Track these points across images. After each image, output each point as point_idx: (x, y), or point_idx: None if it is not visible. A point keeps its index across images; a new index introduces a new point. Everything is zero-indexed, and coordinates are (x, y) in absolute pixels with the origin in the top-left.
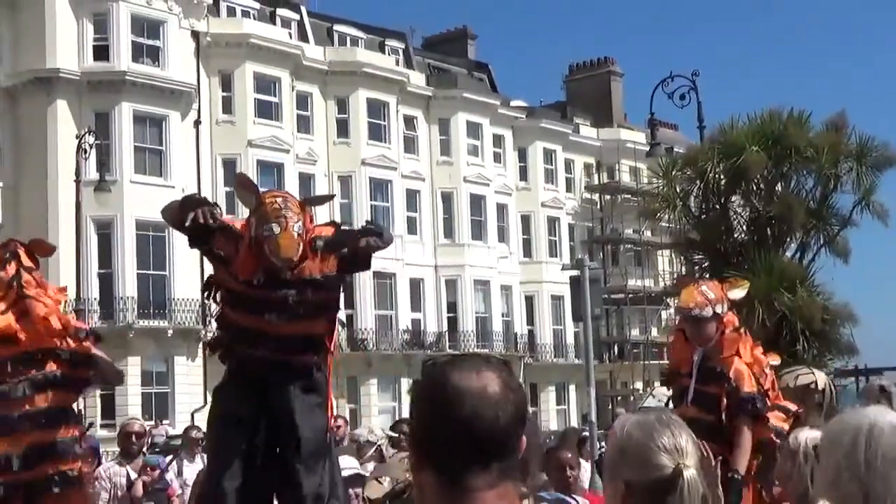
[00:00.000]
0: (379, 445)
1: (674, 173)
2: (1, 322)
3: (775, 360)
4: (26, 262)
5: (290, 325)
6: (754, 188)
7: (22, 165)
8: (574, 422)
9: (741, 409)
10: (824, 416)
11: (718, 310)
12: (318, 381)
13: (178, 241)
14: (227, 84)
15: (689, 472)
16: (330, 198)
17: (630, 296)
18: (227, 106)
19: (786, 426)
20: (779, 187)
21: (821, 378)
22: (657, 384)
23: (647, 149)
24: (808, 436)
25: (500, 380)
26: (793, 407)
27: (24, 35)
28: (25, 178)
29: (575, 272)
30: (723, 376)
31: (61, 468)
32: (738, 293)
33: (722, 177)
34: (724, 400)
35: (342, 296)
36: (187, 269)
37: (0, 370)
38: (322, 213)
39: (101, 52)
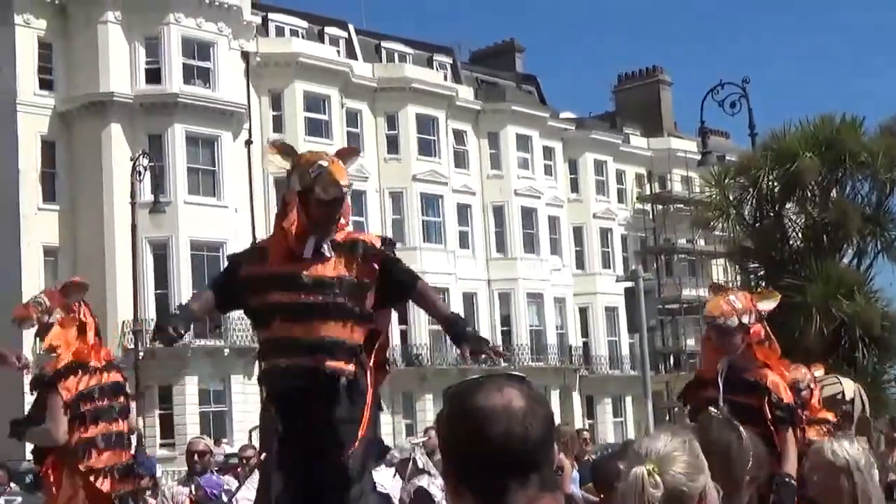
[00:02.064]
0: (413, 457)
1: (726, 181)
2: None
3: (818, 370)
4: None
5: (314, 328)
6: (809, 195)
7: (78, 189)
8: (631, 434)
9: (782, 418)
10: (855, 427)
11: (745, 320)
12: (353, 393)
13: None
14: (277, 103)
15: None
16: (356, 152)
17: (685, 305)
18: (278, 125)
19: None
20: (834, 193)
21: (848, 387)
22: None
23: (699, 157)
24: (848, 448)
25: (522, 394)
26: (832, 417)
27: (78, 61)
28: (81, 201)
29: (629, 283)
30: (758, 388)
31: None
32: (767, 304)
33: (775, 184)
34: (768, 412)
35: (391, 311)
36: None
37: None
38: (375, 224)
39: (153, 75)
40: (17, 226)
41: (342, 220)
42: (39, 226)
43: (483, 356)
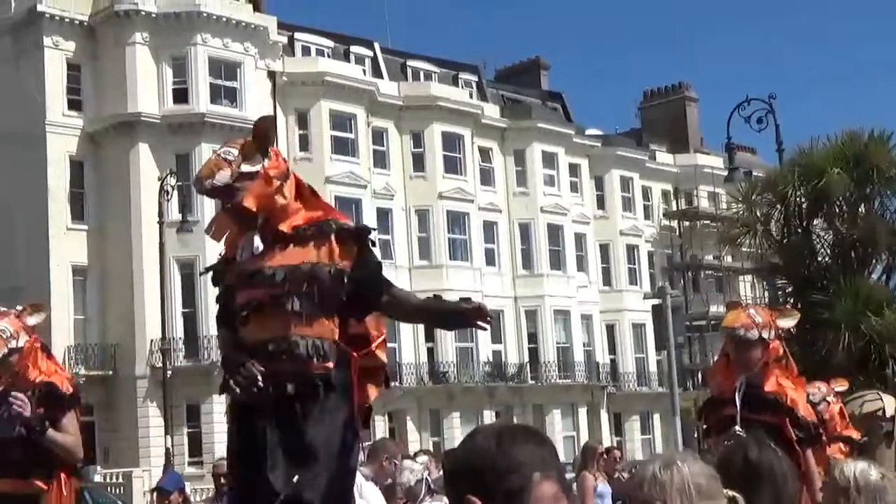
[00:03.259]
0: (425, 478)
1: (754, 198)
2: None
3: (842, 385)
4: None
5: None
6: (837, 210)
7: (106, 208)
8: (659, 451)
9: (803, 438)
10: None
11: (765, 335)
12: (331, 399)
13: None
14: (303, 122)
15: None
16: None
17: (712, 322)
18: (304, 143)
19: (843, 458)
20: (862, 209)
21: (889, 404)
22: None
23: (726, 174)
24: (857, 469)
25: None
26: (857, 435)
27: (106, 82)
28: (110, 220)
29: (657, 300)
30: (777, 405)
31: None
32: (787, 322)
33: (803, 200)
34: (789, 430)
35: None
36: None
37: None
38: (401, 242)
39: (181, 96)
40: (46, 245)
41: (283, 202)
42: (68, 245)
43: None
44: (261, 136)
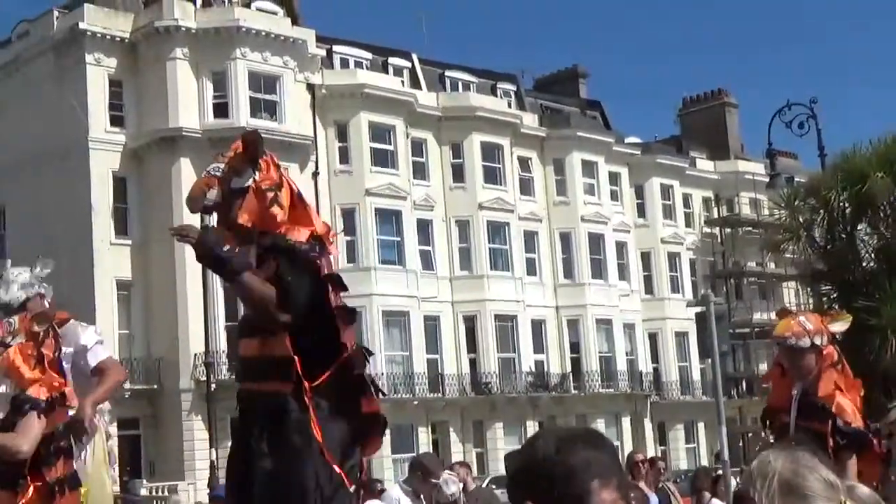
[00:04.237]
0: (463, 488)
1: (796, 203)
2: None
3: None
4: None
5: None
6: (881, 215)
7: (149, 223)
8: (704, 460)
9: (845, 443)
10: None
11: (817, 341)
12: (295, 420)
13: None
14: (343, 134)
15: None
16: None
17: (756, 330)
18: (344, 156)
19: None
20: None
21: None
22: None
23: (767, 179)
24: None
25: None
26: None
27: (147, 97)
28: (153, 235)
29: (700, 308)
30: (827, 412)
31: None
32: (839, 326)
33: (846, 205)
34: (830, 437)
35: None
36: None
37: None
38: (442, 253)
39: (221, 110)
40: (90, 260)
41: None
42: (112, 260)
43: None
44: (249, 147)
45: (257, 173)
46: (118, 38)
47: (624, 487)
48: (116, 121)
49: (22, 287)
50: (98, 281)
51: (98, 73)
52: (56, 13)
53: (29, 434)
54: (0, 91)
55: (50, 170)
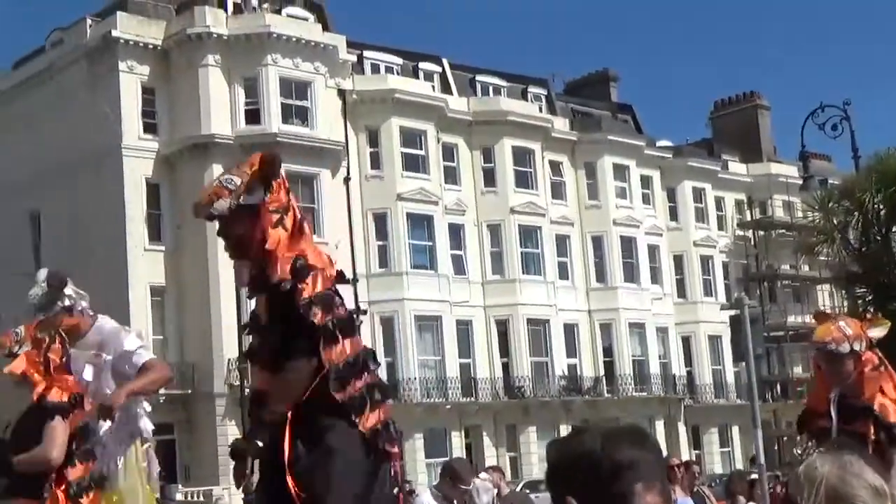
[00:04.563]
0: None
1: (830, 205)
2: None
3: None
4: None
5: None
6: None
7: (182, 229)
8: (739, 464)
9: (891, 442)
10: None
11: (856, 346)
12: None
13: None
14: (374, 139)
15: None
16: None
17: (790, 333)
18: (375, 161)
19: None
20: None
21: None
22: None
23: (801, 182)
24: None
25: None
26: None
27: (180, 104)
28: (186, 241)
29: (734, 312)
30: (868, 412)
31: None
32: (878, 331)
33: (881, 207)
34: (872, 436)
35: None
36: None
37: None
38: (473, 257)
39: (253, 116)
40: (124, 266)
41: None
42: (146, 266)
43: None
44: (266, 166)
45: (268, 194)
46: (151, 46)
47: (666, 492)
48: (149, 128)
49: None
50: (132, 287)
51: (131, 81)
52: (89, 21)
53: (56, 441)
54: (34, 99)
55: (84, 177)
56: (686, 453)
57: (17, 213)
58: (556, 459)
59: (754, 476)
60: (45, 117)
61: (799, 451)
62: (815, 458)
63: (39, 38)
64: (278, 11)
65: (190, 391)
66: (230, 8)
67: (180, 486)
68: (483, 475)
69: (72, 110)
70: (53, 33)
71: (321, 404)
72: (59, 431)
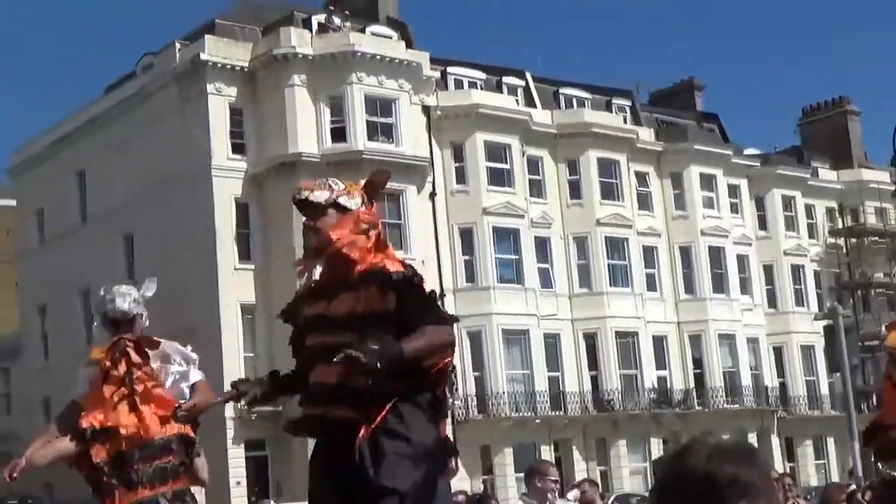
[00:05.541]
0: None
1: None
2: (111, 419)
3: None
4: (135, 358)
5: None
6: None
7: (271, 249)
8: (835, 477)
9: None
10: None
11: None
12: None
13: None
14: (458, 154)
15: None
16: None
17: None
18: (461, 176)
19: None
20: None
21: None
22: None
23: (893, 188)
24: None
25: None
26: None
27: (267, 124)
28: (275, 260)
29: (827, 321)
30: None
31: None
32: None
33: None
34: None
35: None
36: None
37: (127, 461)
38: (560, 270)
39: (339, 134)
40: (215, 285)
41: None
42: (236, 285)
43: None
44: (372, 185)
45: (363, 206)
46: (238, 67)
47: None
48: (237, 148)
49: (134, 302)
50: (223, 305)
51: (219, 103)
52: (178, 45)
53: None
54: (126, 123)
55: (175, 198)
56: (780, 466)
57: (111, 236)
58: (661, 476)
59: (853, 488)
60: (137, 141)
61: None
62: None
63: (130, 63)
64: (362, 30)
65: (281, 408)
66: (315, 28)
67: (272, 502)
68: (570, 495)
69: (162, 133)
70: (144, 58)
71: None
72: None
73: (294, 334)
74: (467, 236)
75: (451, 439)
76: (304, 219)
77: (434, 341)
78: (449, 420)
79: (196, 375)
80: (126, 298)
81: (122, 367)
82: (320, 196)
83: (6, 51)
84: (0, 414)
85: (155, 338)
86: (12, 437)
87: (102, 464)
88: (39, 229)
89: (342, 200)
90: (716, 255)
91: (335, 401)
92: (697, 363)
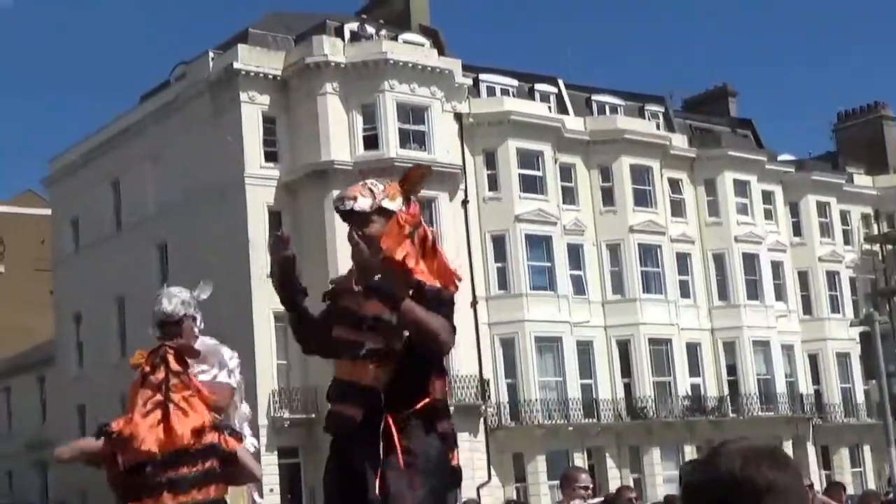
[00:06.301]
0: None
1: None
2: (130, 428)
3: None
4: (174, 366)
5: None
6: None
7: (303, 257)
8: (871, 484)
9: None
10: None
11: None
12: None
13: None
14: (491, 162)
15: None
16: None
17: None
18: (493, 183)
19: None
20: None
21: None
22: None
23: None
24: None
25: None
26: None
27: (300, 132)
28: (307, 268)
29: (864, 328)
30: None
31: None
32: None
33: None
34: None
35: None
36: (466, 345)
37: (147, 468)
38: (593, 277)
39: (371, 142)
40: (248, 293)
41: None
42: (269, 293)
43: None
44: (411, 181)
45: (405, 205)
46: (270, 76)
47: None
48: (270, 156)
49: (182, 304)
50: (256, 313)
51: (252, 111)
52: (211, 54)
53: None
54: (160, 132)
55: (208, 206)
56: (815, 474)
57: (145, 244)
58: (690, 478)
59: (890, 496)
60: (171, 149)
61: None
62: None
63: (164, 73)
64: (395, 38)
65: (314, 415)
66: (347, 36)
67: None
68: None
69: (196, 141)
70: (178, 67)
71: (425, 425)
72: (247, 454)
73: (326, 310)
74: (500, 243)
75: (461, 469)
76: (348, 228)
77: (433, 325)
78: (482, 429)
79: (222, 377)
80: (173, 300)
81: (161, 374)
82: (364, 204)
83: (42, 62)
84: (35, 421)
85: (195, 346)
86: (48, 444)
87: (124, 468)
88: (74, 238)
89: (385, 203)
90: (750, 261)
91: (351, 395)
92: (731, 370)
